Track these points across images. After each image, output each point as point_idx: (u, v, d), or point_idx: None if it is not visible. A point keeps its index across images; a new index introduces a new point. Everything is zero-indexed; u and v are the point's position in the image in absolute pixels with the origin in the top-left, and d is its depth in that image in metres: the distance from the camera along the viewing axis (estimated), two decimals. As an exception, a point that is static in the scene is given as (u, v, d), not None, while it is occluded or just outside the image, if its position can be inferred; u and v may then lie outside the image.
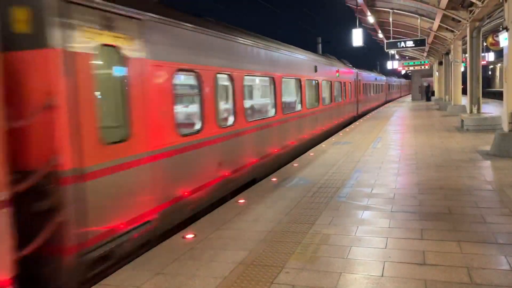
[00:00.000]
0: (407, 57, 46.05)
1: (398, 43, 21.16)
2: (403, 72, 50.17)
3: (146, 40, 5.33)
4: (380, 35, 27.13)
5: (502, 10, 10.42)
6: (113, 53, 4.89)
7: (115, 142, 4.82)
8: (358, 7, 19.81)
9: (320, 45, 39.88)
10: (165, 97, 5.76)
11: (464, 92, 19.90)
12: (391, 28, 22.27)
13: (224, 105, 8.20)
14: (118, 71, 5.09)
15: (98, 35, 4.55)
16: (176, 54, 6.11)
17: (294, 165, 9.95)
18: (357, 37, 20.88)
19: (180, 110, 7.34)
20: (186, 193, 6.15)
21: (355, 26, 21.12)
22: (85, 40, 4.35)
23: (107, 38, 4.69)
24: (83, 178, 4.26)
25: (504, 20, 10.12)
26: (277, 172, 9.25)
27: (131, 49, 5.07)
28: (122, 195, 4.82)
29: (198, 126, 6.78)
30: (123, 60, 4.98)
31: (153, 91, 5.49)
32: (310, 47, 17.19)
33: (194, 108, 7.23)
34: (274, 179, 8.40)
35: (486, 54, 33.31)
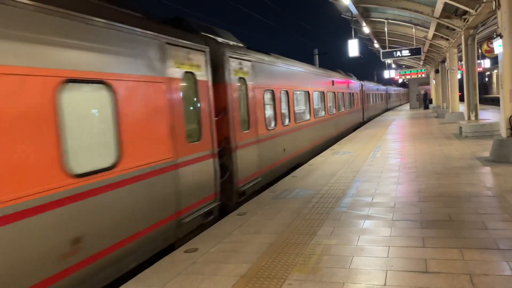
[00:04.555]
0: (403, 66, 46.34)
1: (394, 53, 21.32)
2: (400, 80, 50.63)
3: None
4: (376, 45, 27.32)
5: (496, 18, 10.54)
6: None
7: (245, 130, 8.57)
8: (354, 18, 20.00)
9: (317, 57, 40.19)
10: None
11: (461, 99, 20.02)
12: (386, 38, 22.47)
13: None
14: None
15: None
16: None
17: (294, 176, 9.96)
18: (353, 48, 21.04)
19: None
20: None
21: (351, 37, 21.31)
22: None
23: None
24: (237, 148, 7.99)
25: (498, 27, 10.24)
26: (277, 183, 9.27)
27: None
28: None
29: None
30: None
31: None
32: (307, 58, 17.71)
33: None
34: (274, 191, 8.41)
35: (482, 61, 33.55)
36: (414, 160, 11.00)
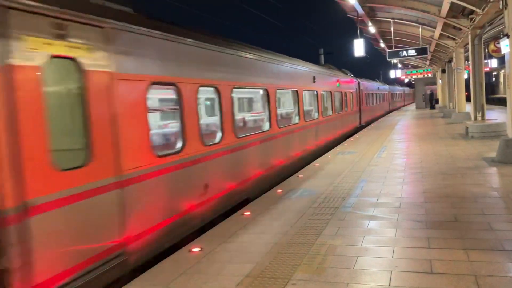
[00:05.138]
0: (409, 66, 46.13)
1: (400, 52, 21.23)
2: (406, 80, 50.54)
3: None
4: (382, 45, 27.20)
5: (503, 17, 10.48)
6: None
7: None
8: (359, 18, 19.93)
9: (322, 56, 40.11)
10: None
11: (468, 99, 19.91)
12: (392, 38, 22.36)
13: None
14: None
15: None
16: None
17: (299, 176, 9.96)
18: (358, 47, 20.95)
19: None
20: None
21: (356, 37, 21.22)
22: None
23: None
24: (32, 212, 3.54)
25: (505, 27, 10.17)
26: (282, 183, 9.26)
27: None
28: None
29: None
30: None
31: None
32: (313, 58, 17.41)
33: None
34: (279, 191, 8.41)
35: (489, 60, 33.31)
36: (419, 161, 10.95)
